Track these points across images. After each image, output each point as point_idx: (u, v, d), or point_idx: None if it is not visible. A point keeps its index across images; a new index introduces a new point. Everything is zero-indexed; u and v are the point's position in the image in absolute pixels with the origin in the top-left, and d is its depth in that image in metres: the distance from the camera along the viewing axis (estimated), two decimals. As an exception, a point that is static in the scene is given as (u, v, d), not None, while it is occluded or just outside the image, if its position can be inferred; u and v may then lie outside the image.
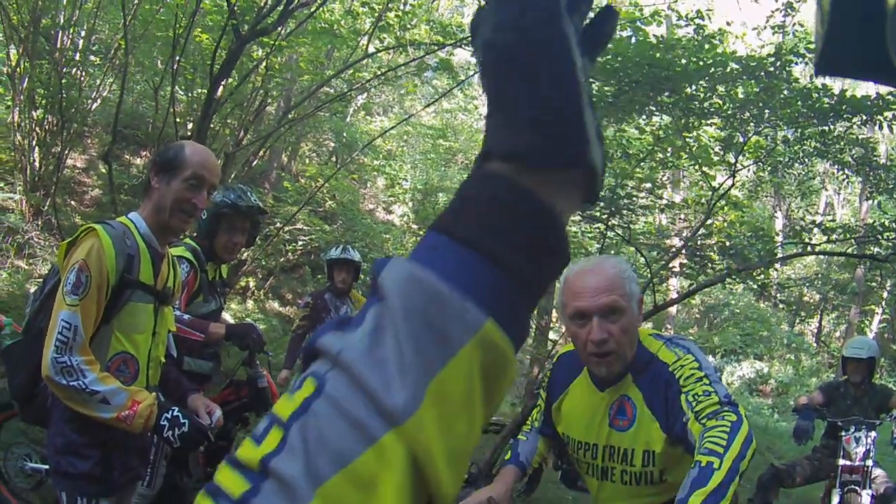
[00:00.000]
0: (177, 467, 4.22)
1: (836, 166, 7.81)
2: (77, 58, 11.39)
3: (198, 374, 4.16)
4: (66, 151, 10.88)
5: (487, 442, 6.91)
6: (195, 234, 4.27)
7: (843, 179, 8.90)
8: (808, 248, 7.85)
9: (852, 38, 1.10)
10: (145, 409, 2.62)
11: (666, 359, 2.38)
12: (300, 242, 15.84)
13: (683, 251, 7.48)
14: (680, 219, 10.39)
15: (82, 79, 11.55)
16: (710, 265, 7.18)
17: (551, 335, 12.45)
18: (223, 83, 8.04)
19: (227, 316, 12.97)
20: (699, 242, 7.43)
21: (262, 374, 4.30)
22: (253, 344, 4.03)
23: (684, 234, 8.69)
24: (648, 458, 2.41)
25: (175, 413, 2.72)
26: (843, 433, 5.81)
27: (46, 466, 3.04)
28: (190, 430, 2.73)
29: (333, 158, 19.54)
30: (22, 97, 10.07)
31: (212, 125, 9.13)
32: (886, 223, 7.12)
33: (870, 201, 17.77)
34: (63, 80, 9.72)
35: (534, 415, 2.97)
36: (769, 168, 9.46)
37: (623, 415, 2.44)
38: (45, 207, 10.87)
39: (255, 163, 14.15)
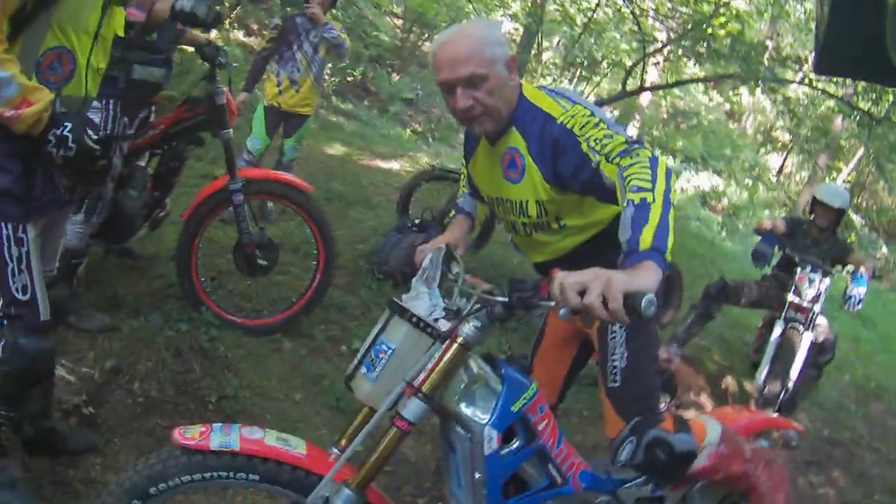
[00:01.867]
0: (116, 188, 4.00)
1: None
2: None
3: (148, 83, 3.84)
4: None
5: (444, 189, 6.85)
6: None
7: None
8: (806, 81, 7.53)
9: (852, 38, 0.99)
10: (31, 115, 2.30)
11: (553, 111, 2.33)
12: (269, -32, 15.06)
13: (690, 35, 7.14)
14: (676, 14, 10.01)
15: None
16: (715, 56, 6.86)
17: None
18: None
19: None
20: (707, 32, 7.08)
21: (221, 90, 4.02)
22: (205, 16, 3.60)
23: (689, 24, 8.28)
24: (540, 209, 2.45)
25: (65, 132, 2.37)
26: (799, 270, 5.81)
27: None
28: (76, 155, 2.41)
29: None
30: None
31: None
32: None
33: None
34: None
35: (462, 181, 3.03)
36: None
37: (513, 167, 2.45)
38: None
39: None
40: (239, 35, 14.65)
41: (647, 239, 1.75)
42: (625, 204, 1.87)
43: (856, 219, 23.46)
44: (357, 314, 5.19)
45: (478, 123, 2.37)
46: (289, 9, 14.21)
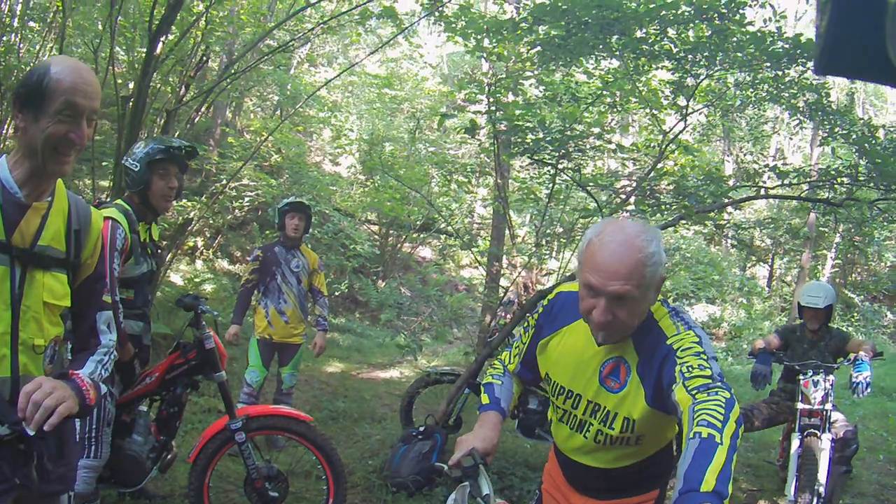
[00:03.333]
0: (122, 434, 4.16)
1: (788, 111, 7.80)
2: (15, 24, 10.93)
3: (129, 335, 4.09)
4: (8, 120, 10.51)
5: (443, 392, 6.86)
6: (125, 193, 4.21)
7: (796, 125, 8.84)
8: (762, 192, 7.82)
9: (852, 38, 1.08)
10: None
11: (667, 329, 2.31)
12: (247, 199, 15.62)
13: (635, 194, 7.43)
14: (629, 163, 10.38)
15: (21, 46, 11.12)
16: (663, 208, 7.12)
17: (502, 282, 12.39)
18: (163, 40, 7.71)
19: (175, 277, 12.76)
20: (651, 186, 7.36)
21: (209, 336, 4.25)
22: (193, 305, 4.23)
23: (634, 179, 8.62)
24: (627, 426, 2.37)
25: None
26: (801, 377, 5.77)
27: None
28: None
29: (278, 112, 19.21)
30: (-41, 70, 9.67)
31: (152, 83, 8.82)
32: (841, 168, 7.14)
33: (821, 147, 17.96)
34: (0, 48, 9.34)
35: (506, 357, 2.81)
36: (720, 112, 9.35)
37: (615, 376, 2.37)
38: (-9, 180, 10.46)
39: (197, 120, 13.84)
40: (224, 263, 14.97)
41: (710, 480, 1.73)
42: (691, 435, 1.87)
43: (854, 297, 23.63)
44: (375, 530, 5.09)
45: (606, 335, 2.27)
46: (268, 232, 14.70)
